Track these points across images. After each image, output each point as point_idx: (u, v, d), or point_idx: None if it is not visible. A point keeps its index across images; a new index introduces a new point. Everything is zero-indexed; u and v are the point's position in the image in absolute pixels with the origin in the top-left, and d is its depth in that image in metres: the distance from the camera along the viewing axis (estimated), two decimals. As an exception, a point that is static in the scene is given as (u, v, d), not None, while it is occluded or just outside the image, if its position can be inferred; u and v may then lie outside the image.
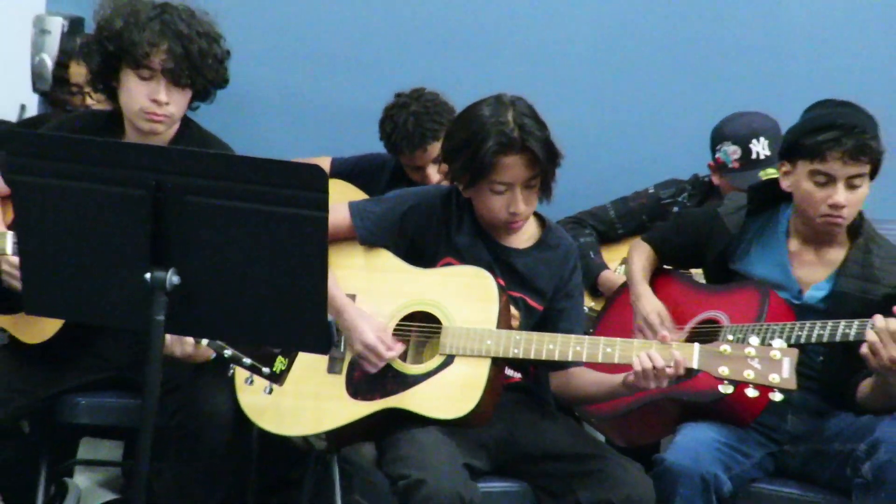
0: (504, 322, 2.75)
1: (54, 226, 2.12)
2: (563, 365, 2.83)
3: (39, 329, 2.89)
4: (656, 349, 2.61)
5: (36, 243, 2.14)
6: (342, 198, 2.97)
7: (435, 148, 3.53)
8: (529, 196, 2.75)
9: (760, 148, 3.55)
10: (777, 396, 2.54)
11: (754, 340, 2.58)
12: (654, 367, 2.58)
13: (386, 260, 2.87)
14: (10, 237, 2.79)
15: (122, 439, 3.84)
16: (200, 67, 2.88)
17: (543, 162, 2.71)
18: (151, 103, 2.87)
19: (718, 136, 3.66)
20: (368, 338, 2.73)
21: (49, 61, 4.34)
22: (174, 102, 2.89)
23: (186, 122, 3.04)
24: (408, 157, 3.66)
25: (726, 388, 2.59)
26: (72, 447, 3.57)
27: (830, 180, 2.85)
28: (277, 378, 2.49)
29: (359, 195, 3.50)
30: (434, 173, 3.60)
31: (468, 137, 2.73)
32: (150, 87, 2.87)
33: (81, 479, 3.62)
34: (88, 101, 3.87)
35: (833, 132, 2.82)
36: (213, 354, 2.55)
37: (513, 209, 2.75)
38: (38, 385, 2.94)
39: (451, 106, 3.58)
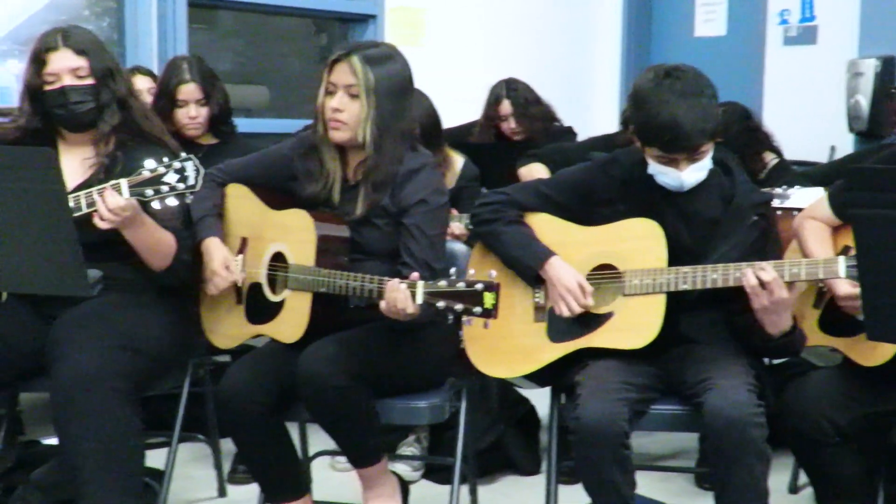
0: None
1: (891, 254, 2.09)
2: None
3: (876, 353, 2.76)
4: None
5: (877, 272, 2.13)
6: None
7: None
8: None
9: None
10: None
11: None
12: None
13: None
14: (841, 262, 2.70)
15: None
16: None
17: None
18: None
19: None
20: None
21: (864, 102, 4.26)
22: None
23: None
24: None
25: None
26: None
27: None
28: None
29: None
30: None
31: None
32: None
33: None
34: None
35: None
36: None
37: None
38: (876, 399, 2.82)
39: None
